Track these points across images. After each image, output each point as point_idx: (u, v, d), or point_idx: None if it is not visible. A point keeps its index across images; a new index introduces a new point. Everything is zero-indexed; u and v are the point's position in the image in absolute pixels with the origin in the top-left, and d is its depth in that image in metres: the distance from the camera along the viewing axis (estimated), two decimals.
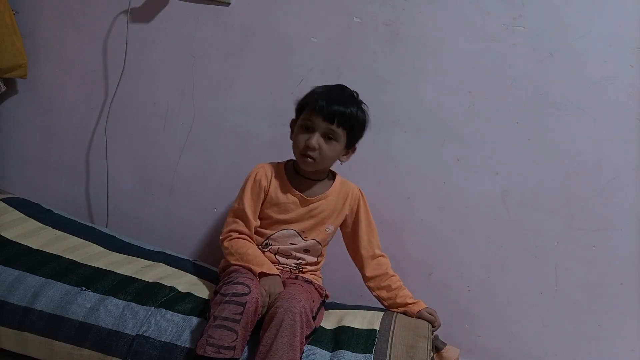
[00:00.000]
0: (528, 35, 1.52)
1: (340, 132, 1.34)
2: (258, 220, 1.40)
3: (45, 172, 1.87)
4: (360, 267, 1.46)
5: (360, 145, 1.62)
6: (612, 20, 1.47)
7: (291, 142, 1.38)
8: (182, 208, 1.77)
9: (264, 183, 1.39)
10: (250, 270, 1.28)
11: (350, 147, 1.40)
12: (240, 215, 1.38)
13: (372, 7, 1.59)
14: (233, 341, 1.12)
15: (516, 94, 1.54)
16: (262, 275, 1.28)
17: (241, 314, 1.14)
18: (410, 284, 1.58)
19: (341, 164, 1.42)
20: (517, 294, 1.59)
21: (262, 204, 1.40)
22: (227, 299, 1.16)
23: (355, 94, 1.40)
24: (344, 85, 1.41)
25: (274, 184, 1.40)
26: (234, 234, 1.37)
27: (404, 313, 1.41)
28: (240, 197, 1.40)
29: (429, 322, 1.38)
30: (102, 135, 1.78)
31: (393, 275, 1.45)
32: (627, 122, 1.49)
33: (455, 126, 1.58)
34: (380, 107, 1.60)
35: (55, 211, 1.63)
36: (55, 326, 1.23)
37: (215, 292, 1.24)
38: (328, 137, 1.33)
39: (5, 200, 1.58)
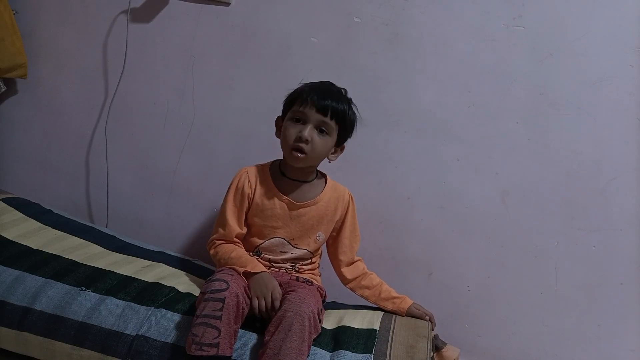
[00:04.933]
0: (528, 35, 1.52)
1: (333, 126, 1.31)
2: (244, 228, 1.38)
3: (45, 172, 1.87)
4: (338, 271, 1.46)
5: (360, 145, 1.62)
6: (612, 20, 1.47)
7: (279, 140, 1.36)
8: (182, 208, 1.77)
9: (248, 190, 1.36)
10: (235, 270, 1.27)
11: (339, 144, 1.37)
12: (224, 224, 1.36)
13: (372, 7, 1.59)
14: (215, 338, 1.11)
15: (516, 94, 1.54)
16: (248, 274, 1.26)
17: (221, 309, 1.13)
18: (410, 284, 1.59)
19: (329, 162, 1.39)
20: (517, 294, 1.59)
21: (248, 211, 1.37)
22: (206, 296, 1.16)
23: (344, 91, 1.37)
24: (331, 82, 1.38)
25: (259, 190, 1.36)
26: (217, 242, 1.36)
27: (393, 312, 1.40)
28: (223, 206, 1.37)
29: (419, 317, 1.38)
30: (102, 135, 1.78)
31: (371, 274, 1.45)
32: (627, 122, 1.49)
33: (455, 126, 1.58)
34: (380, 107, 1.61)
35: (55, 211, 1.63)
36: (55, 326, 1.23)
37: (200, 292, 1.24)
38: (320, 129, 1.30)
39: (5, 200, 1.58)
